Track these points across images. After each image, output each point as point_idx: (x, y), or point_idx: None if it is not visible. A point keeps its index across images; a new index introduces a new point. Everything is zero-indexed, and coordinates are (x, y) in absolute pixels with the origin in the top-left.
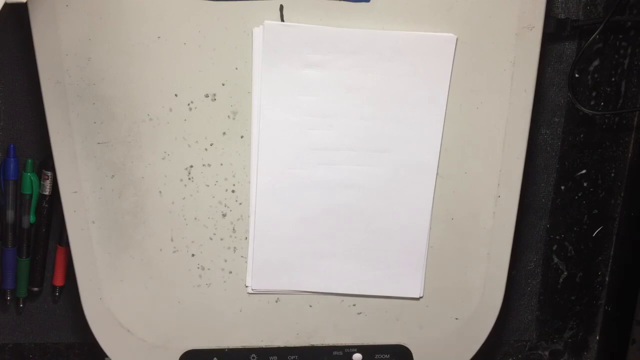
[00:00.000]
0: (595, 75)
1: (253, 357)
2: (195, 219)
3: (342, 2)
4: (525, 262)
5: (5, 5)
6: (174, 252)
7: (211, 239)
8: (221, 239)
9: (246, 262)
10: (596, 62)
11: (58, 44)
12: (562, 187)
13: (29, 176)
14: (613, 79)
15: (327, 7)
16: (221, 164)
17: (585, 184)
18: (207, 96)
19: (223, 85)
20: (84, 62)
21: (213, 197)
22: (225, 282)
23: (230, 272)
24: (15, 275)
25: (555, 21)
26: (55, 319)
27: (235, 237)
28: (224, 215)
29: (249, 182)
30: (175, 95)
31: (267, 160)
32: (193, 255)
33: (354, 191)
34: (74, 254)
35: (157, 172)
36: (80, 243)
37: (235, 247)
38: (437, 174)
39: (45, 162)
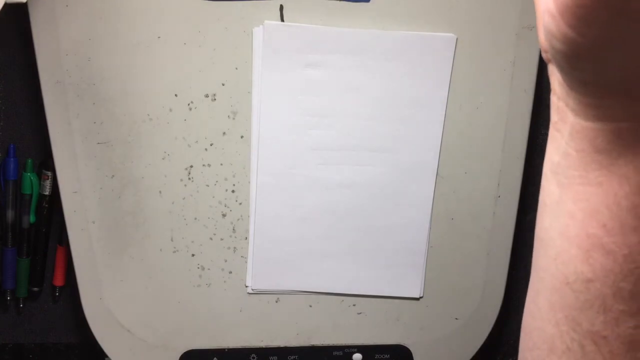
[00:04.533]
0: None
1: (253, 357)
2: (195, 219)
3: (342, 2)
4: (525, 262)
5: (5, 5)
6: (174, 252)
7: (211, 239)
8: (221, 239)
9: (246, 262)
10: None
11: (58, 44)
12: None
13: (29, 176)
14: None
15: (327, 7)
16: (221, 164)
17: None
18: (207, 96)
19: (223, 85)
20: (84, 62)
21: (213, 197)
22: (225, 282)
23: (230, 272)
24: (15, 275)
25: None
26: (55, 319)
27: (235, 237)
28: (224, 215)
29: (249, 182)
30: (175, 95)
31: (267, 160)
32: (193, 255)
33: (354, 191)
34: (74, 254)
35: (157, 172)
36: (80, 243)
37: (235, 247)
38: (437, 174)
39: (45, 162)
